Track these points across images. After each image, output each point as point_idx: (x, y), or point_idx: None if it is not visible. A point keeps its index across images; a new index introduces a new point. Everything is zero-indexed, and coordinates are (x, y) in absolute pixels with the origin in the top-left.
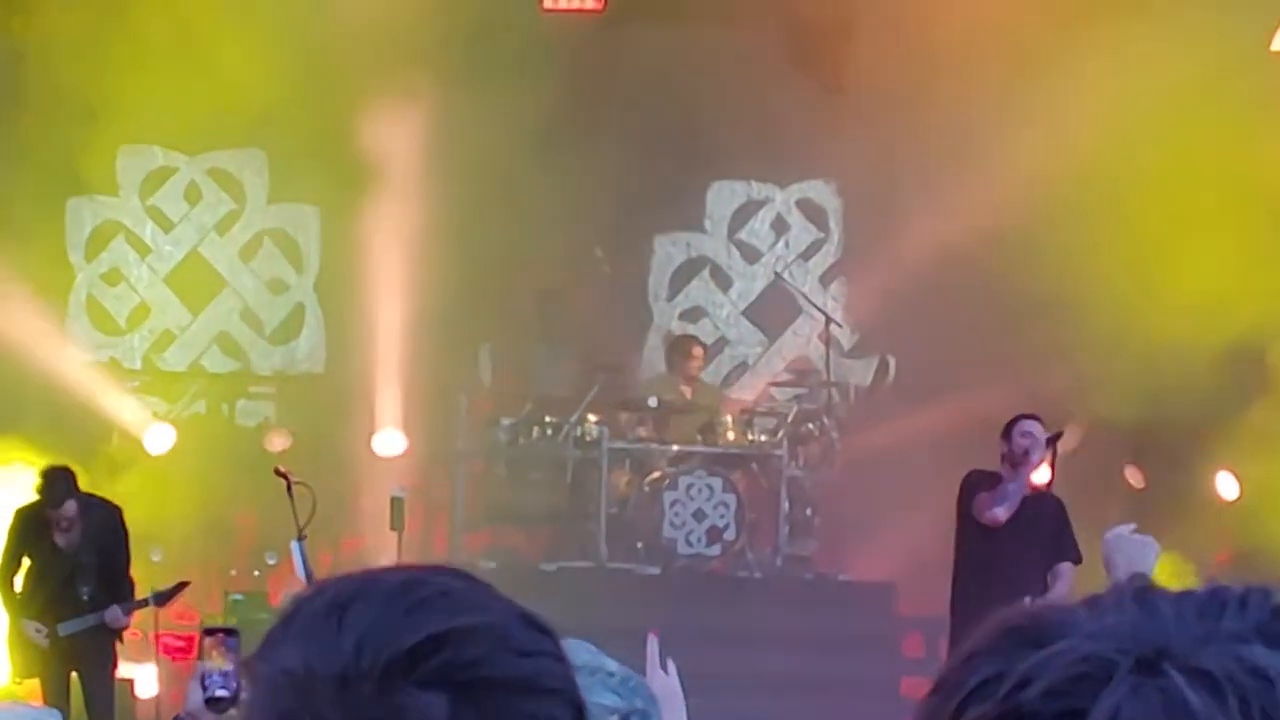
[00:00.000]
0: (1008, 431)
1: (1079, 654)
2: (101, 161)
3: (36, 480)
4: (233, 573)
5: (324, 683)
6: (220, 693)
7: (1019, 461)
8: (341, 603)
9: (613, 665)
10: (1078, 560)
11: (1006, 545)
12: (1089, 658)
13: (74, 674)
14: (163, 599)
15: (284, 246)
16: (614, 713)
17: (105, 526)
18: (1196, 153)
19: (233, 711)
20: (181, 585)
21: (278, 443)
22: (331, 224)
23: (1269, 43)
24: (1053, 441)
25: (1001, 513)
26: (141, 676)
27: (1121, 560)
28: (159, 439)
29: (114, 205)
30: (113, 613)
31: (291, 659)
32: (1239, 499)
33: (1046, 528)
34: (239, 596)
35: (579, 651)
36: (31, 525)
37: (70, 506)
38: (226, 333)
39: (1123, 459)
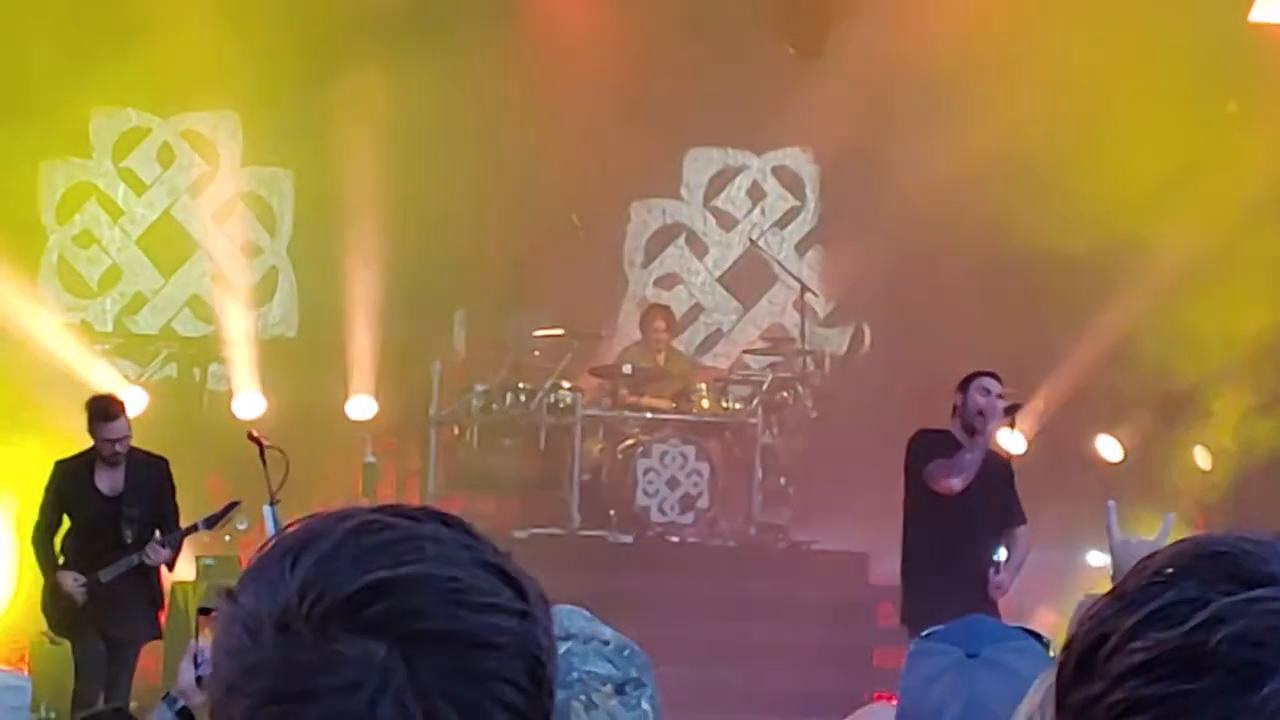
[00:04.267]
0: (964, 386)
1: None
2: (74, 123)
3: (87, 409)
4: (204, 537)
5: (267, 625)
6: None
7: (973, 423)
8: (300, 543)
9: (608, 633)
10: (1024, 521)
11: (959, 511)
12: None
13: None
14: (212, 522)
15: (257, 210)
16: (608, 681)
17: (151, 477)
18: (1175, 122)
19: None
20: (231, 506)
21: (250, 407)
22: (305, 187)
23: (1247, 13)
24: (1011, 411)
25: (958, 483)
26: None
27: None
28: (130, 403)
29: (86, 167)
30: (152, 547)
31: (248, 599)
32: (1213, 470)
33: (997, 491)
34: (210, 561)
35: (574, 619)
36: (72, 477)
37: (122, 424)
38: (199, 296)
39: (1097, 428)
